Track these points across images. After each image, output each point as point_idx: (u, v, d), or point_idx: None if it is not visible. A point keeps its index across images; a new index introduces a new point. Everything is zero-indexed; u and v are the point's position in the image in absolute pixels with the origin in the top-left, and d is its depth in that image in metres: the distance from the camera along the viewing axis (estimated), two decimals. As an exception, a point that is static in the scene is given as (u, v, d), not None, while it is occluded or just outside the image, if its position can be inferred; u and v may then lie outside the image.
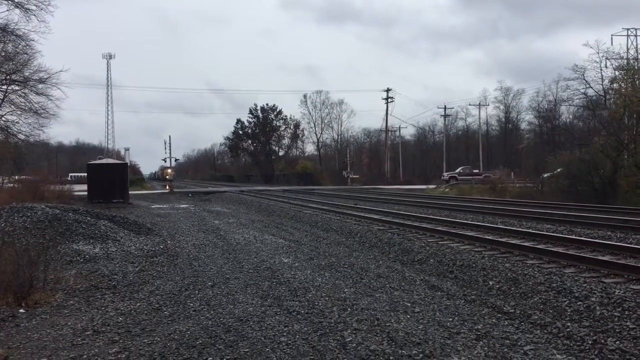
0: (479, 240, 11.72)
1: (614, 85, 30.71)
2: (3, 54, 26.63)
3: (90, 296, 7.61)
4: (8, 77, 26.87)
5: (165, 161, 53.04)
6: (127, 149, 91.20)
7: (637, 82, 26.99)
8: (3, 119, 28.04)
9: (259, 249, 11.80)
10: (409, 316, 6.27)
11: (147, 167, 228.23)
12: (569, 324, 5.91)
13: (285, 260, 10.21)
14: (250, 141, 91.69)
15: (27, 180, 29.43)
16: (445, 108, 67.96)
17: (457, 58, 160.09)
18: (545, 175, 31.81)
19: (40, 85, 27.25)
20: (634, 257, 9.24)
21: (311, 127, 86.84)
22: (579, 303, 6.54)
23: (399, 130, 77.46)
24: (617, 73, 31.23)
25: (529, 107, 69.46)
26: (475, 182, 42.18)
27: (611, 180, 25.10)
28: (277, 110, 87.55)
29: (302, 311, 6.46)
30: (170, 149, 50.76)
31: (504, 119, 72.93)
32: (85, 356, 5.03)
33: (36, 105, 27.52)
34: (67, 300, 7.34)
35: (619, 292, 6.75)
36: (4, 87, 27.29)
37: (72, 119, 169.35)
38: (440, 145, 72.04)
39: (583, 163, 26.42)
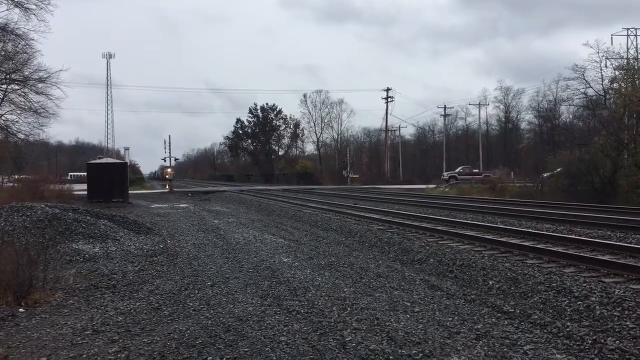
0: (478, 239, 11.72)
1: (614, 85, 30.74)
2: (3, 53, 26.62)
3: (90, 295, 7.61)
4: (8, 76, 26.84)
5: (165, 160, 53.06)
6: (126, 149, 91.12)
7: (637, 81, 26.99)
8: (3, 118, 28.04)
9: (259, 248, 11.79)
10: (408, 316, 6.27)
11: (147, 166, 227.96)
12: (568, 323, 5.91)
13: (285, 260, 10.21)
14: (250, 141, 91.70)
15: (26, 180, 29.41)
16: (445, 108, 68.01)
17: (457, 57, 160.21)
18: (545, 175, 31.82)
19: (40, 85, 27.25)
20: (634, 256, 9.25)
21: (311, 127, 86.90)
22: (578, 303, 6.54)
23: (399, 130, 77.57)
24: (617, 73, 31.29)
25: (528, 107, 69.61)
26: (475, 182, 42.21)
27: (611, 180, 25.11)
28: (277, 109, 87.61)
29: (302, 311, 6.45)
30: (169, 149, 50.79)
31: (503, 119, 72.98)
32: (84, 355, 5.02)
33: (36, 105, 27.52)
34: (66, 300, 7.34)
35: (618, 292, 6.75)
36: (4, 86, 27.28)
37: (72, 119, 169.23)
38: (440, 145, 72.05)
39: (583, 163, 26.43)
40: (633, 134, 26.49)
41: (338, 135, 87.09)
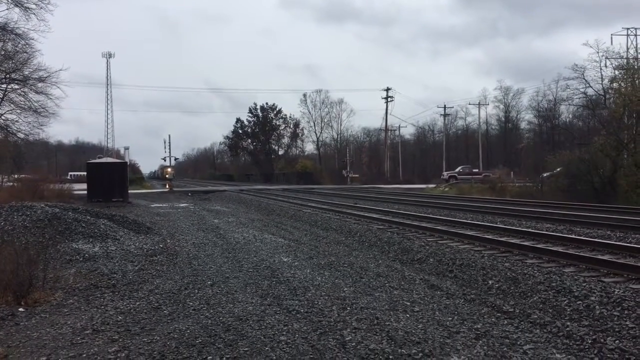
0: (478, 239, 11.72)
1: (614, 84, 30.73)
2: (3, 52, 26.60)
3: (90, 295, 7.61)
4: (8, 75, 26.83)
5: (165, 160, 53.16)
6: (126, 148, 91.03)
7: (636, 81, 26.98)
8: (2, 117, 28.02)
9: (259, 248, 11.79)
10: (408, 315, 6.27)
11: (147, 166, 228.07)
12: (568, 323, 5.92)
13: (285, 260, 10.21)
14: (249, 140, 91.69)
15: (26, 179, 29.41)
16: (445, 107, 67.98)
17: (457, 57, 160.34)
18: (545, 175, 31.82)
19: (39, 84, 27.24)
20: (634, 256, 9.25)
21: (311, 126, 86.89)
22: (578, 302, 6.54)
23: (399, 130, 77.60)
24: (616, 72, 31.27)
25: (528, 107, 69.62)
26: (475, 182, 42.20)
27: (611, 180, 25.10)
28: (277, 109, 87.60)
29: (302, 310, 6.46)
30: (169, 148, 50.87)
31: (503, 119, 72.97)
32: (84, 355, 5.02)
33: (36, 104, 27.51)
34: (66, 299, 7.34)
35: (618, 292, 6.75)
36: (4, 85, 27.27)
37: (72, 118, 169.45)
38: (440, 145, 72.05)
39: (583, 162, 26.42)
40: (633, 134, 26.48)
41: (338, 135, 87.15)
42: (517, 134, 72.27)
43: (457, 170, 53.73)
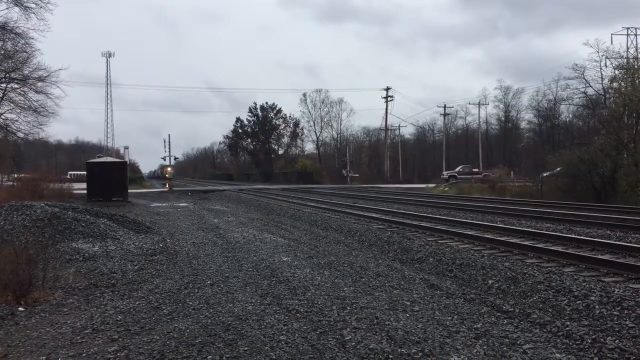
0: (478, 239, 11.71)
1: (614, 84, 30.73)
2: (2, 52, 26.58)
3: (90, 294, 7.61)
4: (7, 75, 26.81)
5: (165, 160, 53.16)
6: (126, 148, 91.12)
7: (636, 81, 26.98)
8: (2, 117, 27.99)
9: (259, 247, 11.79)
10: (408, 315, 6.27)
11: (147, 165, 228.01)
12: (568, 322, 5.92)
13: (285, 259, 10.21)
14: (249, 140, 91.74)
15: (26, 179, 29.42)
16: (444, 107, 68.07)
17: (457, 57, 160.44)
18: (545, 175, 31.83)
19: (39, 84, 27.21)
20: (634, 256, 9.25)
21: (311, 126, 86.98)
22: (578, 302, 6.54)
23: (399, 129, 77.68)
24: (616, 72, 31.30)
25: (528, 106, 69.62)
26: (475, 181, 42.22)
27: (611, 180, 25.09)
28: (277, 108, 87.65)
29: (302, 310, 6.45)
30: (169, 148, 50.88)
31: (503, 118, 73.00)
32: (84, 354, 5.02)
33: (35, 104, 27.49)
34: (66, 299, 7.33)
35: (618, 291, 6.75)
36: (3, 85, 27.24)
37: (72, 117, 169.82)
38: (439, 144, 72.10)
39: (583, 162, 26.41)
40: (633, 134, 26.47)
41: (338, 134, 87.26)
42: (517, 134, 72.32)
43: (457, 169, 53.78)
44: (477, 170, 52.95)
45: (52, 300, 7.19)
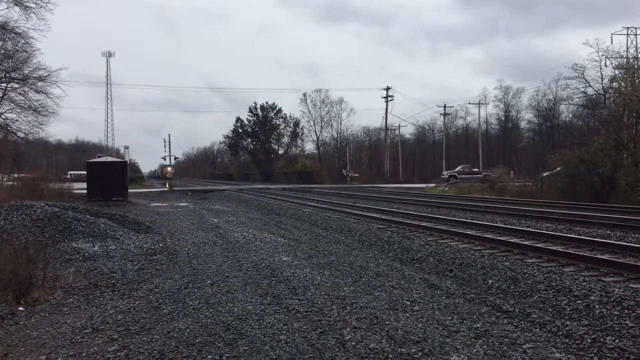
0: (478, 238, 11.71)
1: (614, 84, 30.71)
2: (2, 51, 26.60)
3: (90, 294, 7.61)
4: (7, 74, 26.82)
5: (165, 159, 53.15)
6: (126, 147, 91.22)
7: (636, 81, 26.97)
8: (2, 116, 28.01)
9: (259, 247, 11.79)
10: (408, 315, 6.27)
11: (147, 165, 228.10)
12: (568, 322, 5.92)
13: (285, 259, 10.21)
14: (249, 139, 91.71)
15: (26, 178, 29.41)
16: (444, 107, 68.08)
17: (457, 57, 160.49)
18: (545, 174, 31.83)
19: (39, 83, 27.23)
20: (634, 255, 9.25)
21: (311, 126, 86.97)
22: (578, 302, 6.54)
23: (399, 129, 77.70)
24: (616, 72, 31.27)
25: (528, 106, 69.63)
26: (475, 181, 42.22)
27: (611, 179, 25.09)
28: (277, 108, 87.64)
29: (302, 309, 6.45)
30: (169, 147, 50.88)
31: (503, 118, 73.02)
32: (84, 354, 5.02)
33: (35, 103, 27.51)
34: (66, 298, 7.33)
35: (618, 291, 6.75)
36: (4, 84, 27.26)
37: (72, 117, 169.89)
38: (439, 144, 72.12)
39: (583, 162, 26.40)
40: (632, 133, 26.47)
41: (338, 134, 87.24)
42: (517, 134, 72.34)
43: (457, 169, 53.80)
44: (477, 170, 52.97)
45: (52, 300, 7.19)
